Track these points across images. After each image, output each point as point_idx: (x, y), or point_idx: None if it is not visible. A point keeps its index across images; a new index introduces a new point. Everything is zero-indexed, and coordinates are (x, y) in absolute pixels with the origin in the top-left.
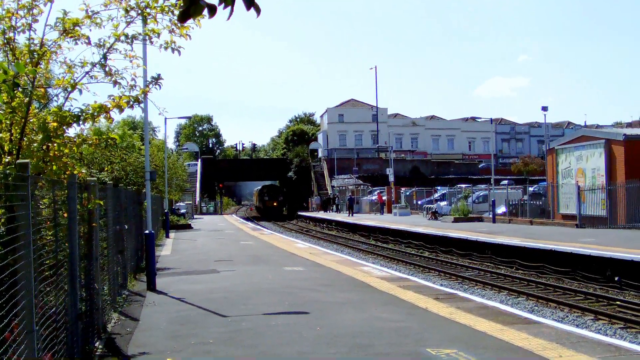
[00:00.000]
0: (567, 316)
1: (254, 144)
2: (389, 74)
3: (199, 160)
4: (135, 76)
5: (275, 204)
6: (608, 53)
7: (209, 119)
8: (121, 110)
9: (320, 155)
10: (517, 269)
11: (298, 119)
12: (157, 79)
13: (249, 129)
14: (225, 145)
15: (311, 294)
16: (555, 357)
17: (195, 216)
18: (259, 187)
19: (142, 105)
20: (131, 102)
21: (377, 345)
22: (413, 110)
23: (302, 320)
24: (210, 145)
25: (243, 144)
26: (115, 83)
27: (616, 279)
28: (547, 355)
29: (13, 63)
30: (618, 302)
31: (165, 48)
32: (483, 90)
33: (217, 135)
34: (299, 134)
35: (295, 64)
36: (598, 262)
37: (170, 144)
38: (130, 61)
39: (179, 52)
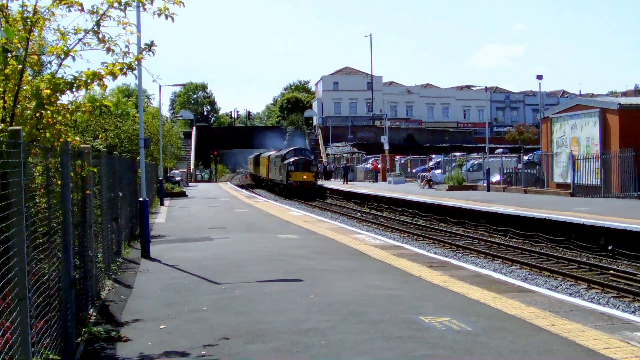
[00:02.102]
0: (561, 285)
1: (249, 112)
2: (384, 41)
3: (194, 127)
4: (129, 43)
5: (305, 177)
6: (604, 22)
7: (203, 87)
8: (114, 77)
9: (315, 123)
10: (510, 238)
11: (293, 87)
12: (150, 46)
13: (243, 96)
14: (220, 113)
15: (305, 262)
16: (548, 325)
17: (189, 184)
18: (255, 155)
19: (135, 72)
20: (124, 70)
21: (371, 313)
22: (408, 78)
23: (295, 288)
24: (205, 113)
25: (238, 111)
26: (108, 50)
27: (609, 248)
28: (539, 323)
29: (2, 29)
30: (611, 271)
31: (159, 15)
32: (478, 58)
33: (212, 103)
34: (294, 101)
35: (291, 32)
36: (591, 231)
37: (165, 112)
38: (124, 28)
39: (172, 19)
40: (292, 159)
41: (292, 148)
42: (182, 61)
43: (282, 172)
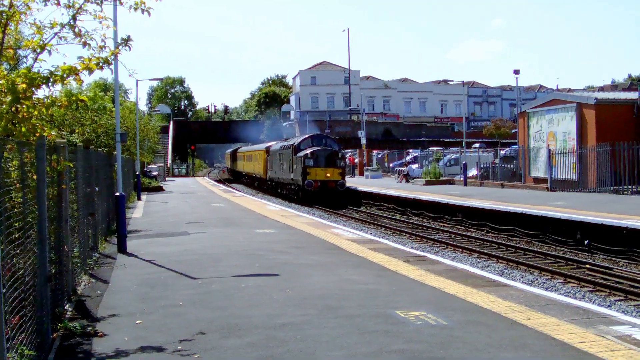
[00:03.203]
0: (537, 279)
1: (226, 106)
2: (362, 36)
3: (171, 122)
4: (105, 37)
5: (329, 175)
6: (582, 17)
7: (181, 81)
8: (90, 71)
9: (292, 117)
10: (487, 232)
11: (270, 81)
12: (126, 41)
13: (221, 91)
14: (198, 107)
15: (281, 257)
16: (524, 319)
17: (167, 178)
18: (233, 149)
19: (111, 67)
20: (100, 64)
21: (347, 307)
22: (386, 72)
23: (272, 283)
24: (183, 107)
25: (215, 106)
26: (84, 44)
27: (586, 242)
28: (515, 317)
29: None
30: (587, 266)
31: (135, 9)
32: (457, 53)
33: (190, 97)
34: (272, 96)
35: (268, 26)
36: (568, 226)
37: (143, 106)
38: (100, 22)
39: (149, 13)
40: (309, 150)
41: (307, 135)
42: (160, 55)
43: (295, 168)
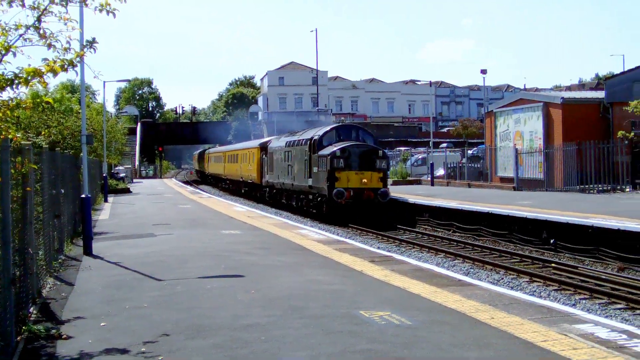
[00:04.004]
0: (503, 278)
1: (194, 107)
2: (331, 36)
3: (139, 123)
4: (70, 39)
5: (365, 181)
6: (550, 17)
7: (149, 82)
8: (55, 74)
9: (260, 118)
10: (454, 232)
11: (238, 82)
12: (92, 43)
13: (189, 92)
14: (166, 108)
15: (247, 257)
16: (487, 318)
17: (134, 180)
18: (200, 150)
19: (77, 69)
20: (65, 66)
21: (312, 308)
22: (354, 73)
23: (237, 284)
24: (150, 108)
25: (183, 107)
26: (49, 46)
27: (551, 241)
28: (479, 317)
29: None
30: (553, 264)
31: (100, 10)
32: (425, 53)
33: (157, 99)
34: (239, 97)
35: (236, 27)
36: (534, 225)
37: (110, 108)
38: (65, 24)
39: (114, 15)
40: (337, 147)
41: (331, 126)
42: (129, 57)
43: (315, 171)
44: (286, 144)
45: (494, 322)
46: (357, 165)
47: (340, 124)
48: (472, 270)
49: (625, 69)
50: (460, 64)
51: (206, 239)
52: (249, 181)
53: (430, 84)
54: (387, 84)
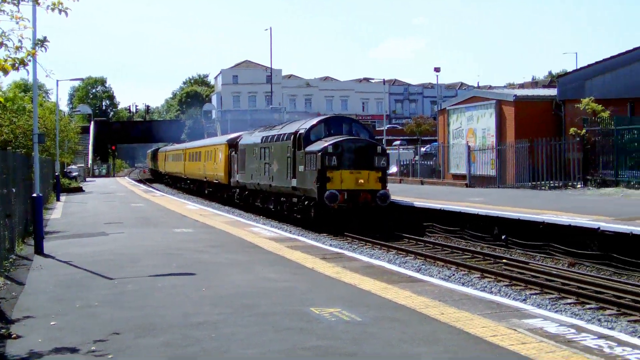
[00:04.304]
0: (454, 275)
1: (148, 106)
2: (285, 35)
3: (92, 122)
4: (22, 38)
5: (362, 181)
6: (503, 15)
7: (102, 81)
8: (6, 72)
9: (214, 117)
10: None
11: (192, 81)
12: (42, 42)
13: (143, 90)
14: (120, 107)
15: (199, 256)
16: (437, 314)
17: (87, 179)
18: (154, 149)
19: (28, 67)
20: (16, 65)
21: (262, 305)
22: (309, 71)
23: (188, 282)
24: (104, 107)
25: (137, 106)
26: (1, 45)
27: (503, 237)
28: (429, 312)
29: None
30: (504, 260)
31: (52, 9)
32: (379, 51)
33: (111, 97)
34: (193, 95)
35: (191, 25)
36: (486, 221)
37: (64, 107)
38: (17, 23)
39: (66, 14)
40: (329, 142)
41: (319, 119)
42: (83, 55)
43: (301, 171)
44: (262, 139)
45: (444, 318)
46: (352, 164)
47: (331, 115)
48: (423, 266)
49: (578, 67)
50: (414, 62)
51: (158, 237)
52: (215, 181)
53: (384, 82)
54: (340, 82)
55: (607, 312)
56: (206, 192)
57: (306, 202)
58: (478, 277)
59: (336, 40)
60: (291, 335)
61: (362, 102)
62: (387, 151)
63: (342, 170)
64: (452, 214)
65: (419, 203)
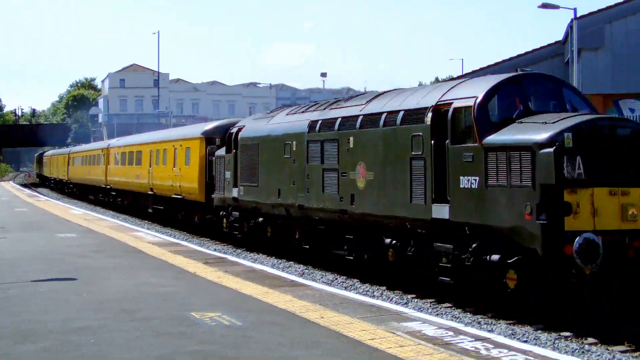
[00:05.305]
0: (337, 279)
1: (34, 109)
2: (173, 39)
3: None
4: None
5: (636, 212)
6: (389, 21)
7: None
8: None
9: (100, 120)
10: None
11: (79, 84)
12: None
13: (29, 94)
14: (5, 110)
15: (81, 260)
16: (317, 318)
17: None
18: (40, 153)
19: None
20: None
21: (144, 310)
22: (197, 75)
23: (69, 287)
24: None
25: (22, 109)
26: None
27: None
28: (309, 316)
29: None
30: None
31: None
32: (268, 56)
33: None
34: (80, 99)
35: (78, 28)
36: None
37: None
38: None
39: None
40: (566, 125)
41: (507, 76)
42: None
43: (486, 189)
44: (313, 125)
45: (324, 322)
46: (612, 174)
47: (529, 71)
48: (307, 271)
49: (464, 72)
50: (303, 67)
51: (41, 242)
52: (175, 196)
53: (271, 86)
54: (228, 87)
55: (488, 314)
56: (150, 210)
57: (489, 257)
58: (360, 282)
59: (225, 45)
60: (171, 340)
61: (250, 107)
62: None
63: (595, 189)
64: None
65: None
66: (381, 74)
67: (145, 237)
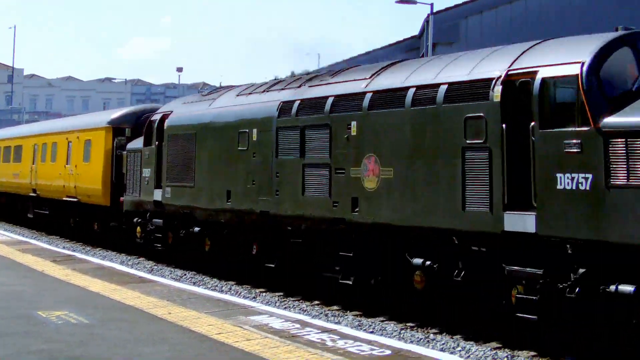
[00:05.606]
0: (186, 274)
1: None
2: (29, 33)
3: None
4: None
5: None
6: (248, 18)
7: None
8: None
9: None
10: None
11: None
12: None
13: None
14: None
15: None
16: (165, 314)
17: None
18: None
19: None
20: None
21: None
22: (52, 71)
23: None
24: None
25: None
26: None
27: None
28: (157, 312)
29: None
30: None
31: None
32: (124, 51)
33: None
34: None
35: None
36: None
37: None
38: None
39: None
40: None
41: (615, 35)
42: None
43: None
44: (287, 108)
45: (171, 317)
46: None
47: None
48: (156, 267)
49: (319, 67)
50: (159, 62)
51: None
52: (68, 199)
53: (126, 81)
54: (83, 82)
55: (334, 307)
56: (30, 215)
57: (616, 287)
58: (209, 277)
59: (81, 39)
60: (16, 339)
61: (104, 102)
62: None
63: None
64: None
65: None
66: (237, 68)
67: None
